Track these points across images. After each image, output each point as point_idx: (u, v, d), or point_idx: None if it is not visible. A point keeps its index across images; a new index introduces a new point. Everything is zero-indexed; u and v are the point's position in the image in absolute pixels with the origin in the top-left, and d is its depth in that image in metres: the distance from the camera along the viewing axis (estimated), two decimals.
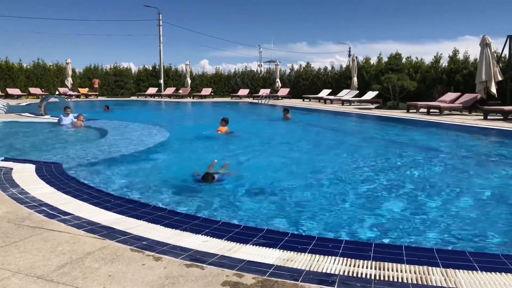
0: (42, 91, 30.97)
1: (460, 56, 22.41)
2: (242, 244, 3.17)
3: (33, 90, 30.86)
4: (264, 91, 30.76)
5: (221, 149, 9.78)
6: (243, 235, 3.38)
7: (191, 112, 23.81)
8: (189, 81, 34.30)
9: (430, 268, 2.73)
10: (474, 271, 2.68)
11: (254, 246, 3.13)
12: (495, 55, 16.85)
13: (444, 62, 23.46)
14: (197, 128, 11.38)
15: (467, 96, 17.25)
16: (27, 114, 16.27)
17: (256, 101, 28.54)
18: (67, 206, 4.10)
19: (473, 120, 14.13)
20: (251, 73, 36.68)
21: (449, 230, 4.21)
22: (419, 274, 2.65)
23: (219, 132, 10.74)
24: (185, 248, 3.05)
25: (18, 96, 29.54)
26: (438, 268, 2.73)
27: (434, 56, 23.97)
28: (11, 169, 5.79)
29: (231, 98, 32.03)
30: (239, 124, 14.86)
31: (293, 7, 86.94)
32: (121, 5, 76.90)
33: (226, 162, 7.14)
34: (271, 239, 3.30)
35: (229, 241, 3.22)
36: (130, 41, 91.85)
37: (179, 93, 33.15)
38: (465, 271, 2.69)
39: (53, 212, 3.88)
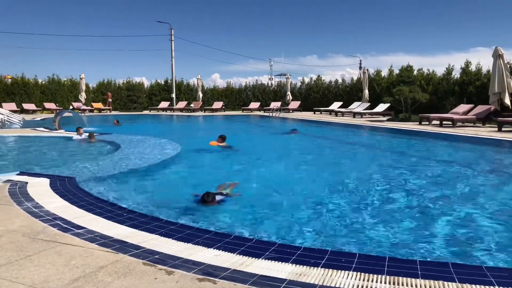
0: (57, 106, 31.45)
1: (473, 67, 22.26)
2: (254, 258, 3.15)
3: (47, 105, 31.36)
4: (275, 104, 30.88)
5: (231, 163, 9.80)
6: (256, 249, 3.37)
7: (202, 126, 23.96)
8: (201, 95, 34.58)
9: (446, 283, 2.68)
10: (492, 286, 2.62)
11: (267, 260, 3.11)
12: (508, 66, 16.70)
13: (456, 74, 23.32)
14: (207, 142, 11.45)
15: (480, 108, 17.09)
16: (41, 128, 16.53)
17: (267, 114, 28.62)
18: (80, 220, 4.14)
19: (487, 132, 13.95)
20: (262, 87, 36.86)
21: (465, 244, 4.14)
22: None
23: (211, 144, 11.09)
24: (197, 262, 3.05)
25: (33, 111, 30.07)
26: (454, 283, 2.67)
27: (446, 68, 23.85)
28: (26, 183, 5.87)
29: (242, 112, 32.18)
30: (250, 137, 14.92)
31: (303, 20, 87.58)
32: (134, 21, 78.28)
33: (234, 181, 6.88)
34: (284, 253, 3.27)
35: (241, 255, 3.21)
36: (142, 56, 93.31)
37: (191, 107, 33.39)
38: (482, 286, 2.63)
39: (66, 226, 3.92)
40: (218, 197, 5.60)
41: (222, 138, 11.17)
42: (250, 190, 6.67)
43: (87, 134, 13.13)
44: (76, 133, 13.42)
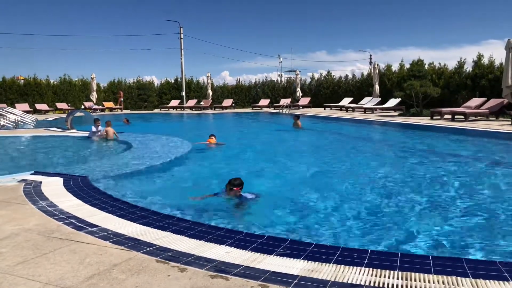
0: (68, 106, 31.77)
1: (485, 60, 21.91)
2: (266, 254, 3.16)
3: (60, 105, 31.70)
4: (284, 101, 30.80)
5: (237, 161, 9.82)
6: (267, 245, 3.38)
7: (212, 124, 24.02)
8: (210, 93, 34.63)
9: (459, 278, 2.66)
10: (506, 282, 2.60)
11: (278, 256, 3.12)
12: None
13: (468, 67, 23.00)
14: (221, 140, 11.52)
15: (493, 101, 16.86)
16: (54, 128, 16.74)
17: (277, 111, 28.58)
18: (94, 218, 4.19)
19: (501, 125, 13.77)
20: (272, 83, 36.79)
21: (478, 239, 4.11)
22: (448, 284, 2.58)
23: (208, 142, 11.39)
24: (210, 259, 3.07)
25: (46, 111, 30.43)
26: (467, 279, 2.65)
27: (458, 61, 23.53)
28: (40, 182, 5.96)
29: (252, 109, 32.17)
30: (260, 135, 14.88)
31: (311, 16, 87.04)
32: (143, 20, 78.64)
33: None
34: (295, 249, 3.28)
35: (253, 252, 3.22)
36: (152, 54, 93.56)
37: (201, 105, 33.49)
38: (496, 281, 2.61)
39: (80, 224, 3.97)
40: (248, 195, 5.51)
41: (214, 137, 11.50)
42: (264, 187, 6.67)
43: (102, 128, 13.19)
44: (93, 126, 13.50)
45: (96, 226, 3.92)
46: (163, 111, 32.83)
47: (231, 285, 2.62)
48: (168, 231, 3.78)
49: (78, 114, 19.87)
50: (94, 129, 13.23)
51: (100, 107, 32.40)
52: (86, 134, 13.70)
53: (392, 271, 2.81)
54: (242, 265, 2.94)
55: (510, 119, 14.61)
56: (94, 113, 27.30)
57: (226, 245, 3.38)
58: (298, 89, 33.14)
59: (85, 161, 8.91)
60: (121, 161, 8.39)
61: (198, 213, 5.06)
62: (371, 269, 2.86)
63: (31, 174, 6.71)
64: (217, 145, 11.36)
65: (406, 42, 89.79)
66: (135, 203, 5.05)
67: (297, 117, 16.32)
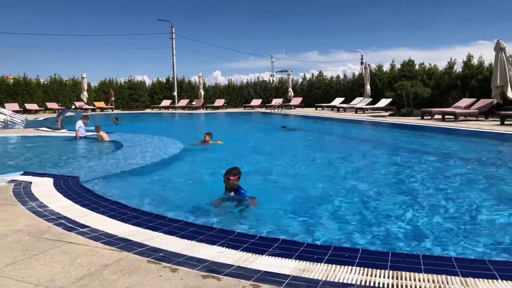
0: (59, 106, 31.53)
1: (475, 61, 22.15)
2: (258, 254, 3.16)
3: (50, 104, 31.46)
4: (276, 101, 30.86)
5: (232, 160, 9.81)
6: (259, 245, 3.38)
7: (204, 124, 23.97)
8: (202, 93, 34.59)
9: (449, 277, 2.69)
10: (495, 280, 2.63)
11: (270, 256, 3.13)
12: (510, 59, 16.62)
13: (458, 68, 23.23)
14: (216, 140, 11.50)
15: (482, 102, 17.04)
16: (44, 128, 16.59)
17: (268, 111, 28.61)
18: (84, 218, 4.16)
19: (490, 125, 13.92)
20: (264, 83, 36.84)
21: (468, 238, 4.15)
22: (438, 283, 2.61)
23: (204, 141, 11.35)
24: (201, 259, 3.06)
25: (36, 111, 30.15)
26: (457, 277, 2.68)
27: (448, 62, 23.76)
28: (30, 183, 5.90)
29: (244, 109, 32.20)
30: (253, 135, 14.87)
31: (303, 16, 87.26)
32: (135, 19, 78.26)
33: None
34: (287, 249, 3.29)
35: (244, 252, 3.22)
36: (144, 54, 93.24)
37: (193, 104, 33.43)
38: (485, 280, 2.64)
39: (71, 225, 3.94)
40: (246, 194, 5.36)
41: (209, 135, 11.42)
42: (256, 186, 6.67)
43: (93, 127, 13.10)
44: (81, 120, 13.40)
45: (87, 226, 3.90)
46: (155, 111, 32.73)
47: (223, 285, 2.62)
48: (159, 232, 3.76)
49: (69, 114, 19.72)
50: (82, 125, 13.11)
51: (91, 106, 32.21)
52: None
53: (383, 270, 2.83)
54: (234, 265, 2.94)
55: (499, 119, 14.77)
56: (85, 113, 27.09)
57: (218, 245, 3.38)
58: (290, 89, 33.22)
59: (76, 161, 8.85)
60: (112, 161, 8.34)
61: (190, 213, 5.05)
62: (362, 268, 2.87)
63: (21, 174, 6.64)
64: (214, 144, 11.28)
65: (397, 42, 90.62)
66: (126, 203, 5.02)
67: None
